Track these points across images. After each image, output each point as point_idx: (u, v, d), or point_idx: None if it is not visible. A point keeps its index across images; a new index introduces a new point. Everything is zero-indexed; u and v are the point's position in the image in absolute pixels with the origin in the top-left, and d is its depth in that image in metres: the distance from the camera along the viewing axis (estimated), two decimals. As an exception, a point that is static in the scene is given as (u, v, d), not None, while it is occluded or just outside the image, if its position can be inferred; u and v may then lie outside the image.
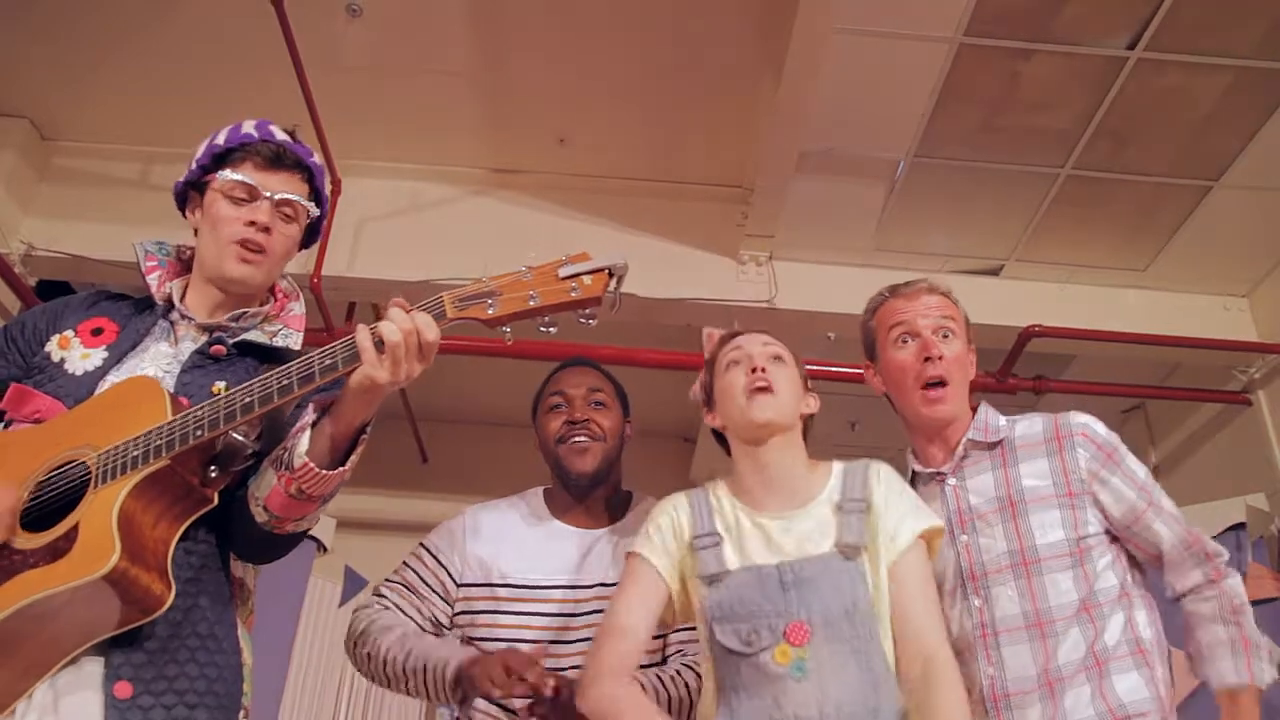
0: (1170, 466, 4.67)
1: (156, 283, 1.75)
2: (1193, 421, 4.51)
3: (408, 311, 1.44)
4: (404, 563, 2.16)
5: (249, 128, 1.75)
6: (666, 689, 1.92)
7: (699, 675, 1.87)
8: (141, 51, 3.74)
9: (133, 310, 1.75)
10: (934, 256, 4.14)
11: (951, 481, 1.90)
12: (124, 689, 1.41)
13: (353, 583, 4.40)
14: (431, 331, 1.42)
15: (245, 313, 1.73)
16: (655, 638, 1.96)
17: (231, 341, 1.69)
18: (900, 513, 1.70)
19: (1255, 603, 3.69)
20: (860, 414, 4.91)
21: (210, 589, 1.56)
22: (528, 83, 3.81)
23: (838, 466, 1.77)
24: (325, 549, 4.11)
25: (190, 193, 1.77)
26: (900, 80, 3.43)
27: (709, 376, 1.87)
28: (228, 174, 1.70)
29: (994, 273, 4.27)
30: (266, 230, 1.69)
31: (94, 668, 1.43)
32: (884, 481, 1.74)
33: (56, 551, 1.42)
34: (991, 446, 1.90)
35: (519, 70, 3.77)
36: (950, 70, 3.36)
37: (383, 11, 3.57)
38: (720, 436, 1.87)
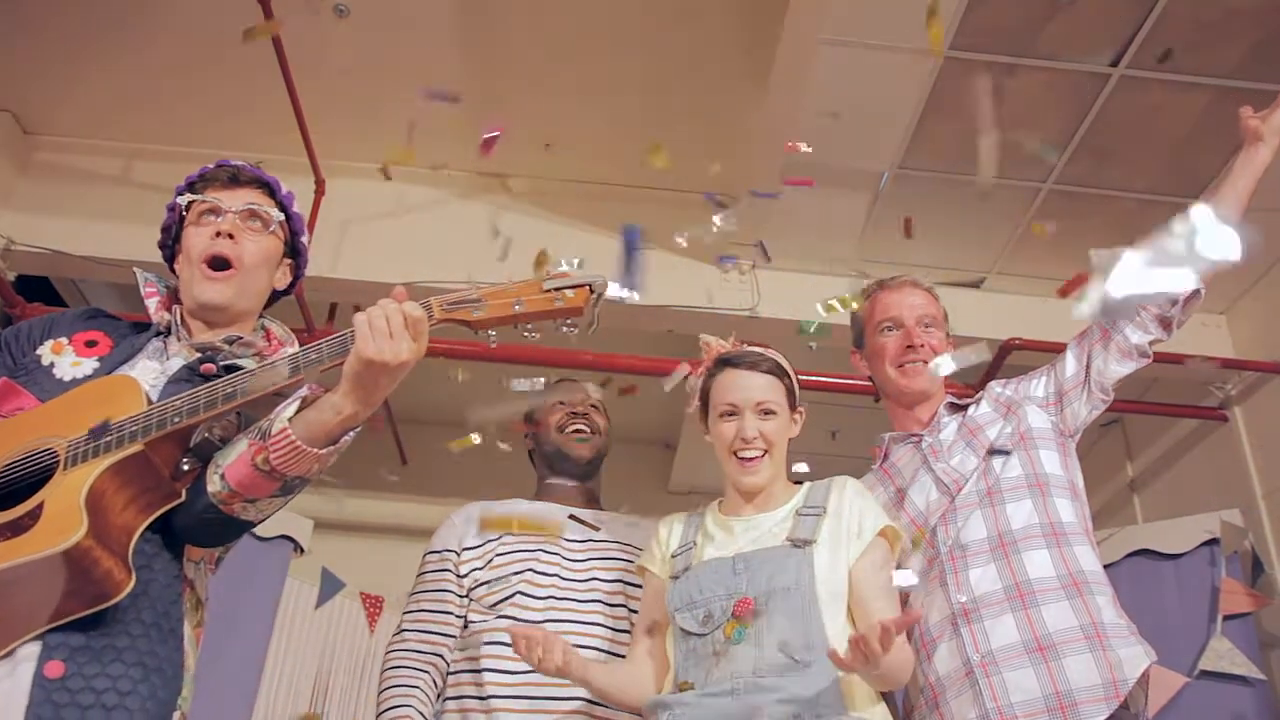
0: (1147, 480, 4.70)
1: (155, 307, 1.79)
2: (1170, 436, 4.54)
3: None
4: (418, 574, 2.32)
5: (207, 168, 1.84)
6: None
7: None
8: (126, 47, 3.72)
9: (129, 330, 1.77)
10: (916, 268, 4.12)
11: (928, 440, 2.12)
12: (55, 668, 1.40)
13: (329, 584, 4.36)
14: (418, 311, 1.48)
15: (240, 338, 1.74)
16: None
17: (222, 364, 1.70)
18: (862, 511, 1.87)
19: (1228, 618, 3.73)
20: (841, 423, 4.91)
21: (161, 580, 1.54)
22: (515, 87, 3.81)
23: (806, 485, 1.96)
24: (302, 550, 4.07)
25: (176, 247, 1.82)
26: (886, 92, 3.44)
27: (703, 402, 2.02)
28: (189, 197, 1.77)
29: (975, 285, 4.29)
30: (232, 238, 1.74)
31: (31, 647, 1.41)
32: (847, 489, 1.92)
33: (18, 528, 1.41)
34: (962, 408, 2.17)
35: (506, 74, 3.76)
36: (935, 83, 3.38)
37: (370, 13, 3.56)
38: None
